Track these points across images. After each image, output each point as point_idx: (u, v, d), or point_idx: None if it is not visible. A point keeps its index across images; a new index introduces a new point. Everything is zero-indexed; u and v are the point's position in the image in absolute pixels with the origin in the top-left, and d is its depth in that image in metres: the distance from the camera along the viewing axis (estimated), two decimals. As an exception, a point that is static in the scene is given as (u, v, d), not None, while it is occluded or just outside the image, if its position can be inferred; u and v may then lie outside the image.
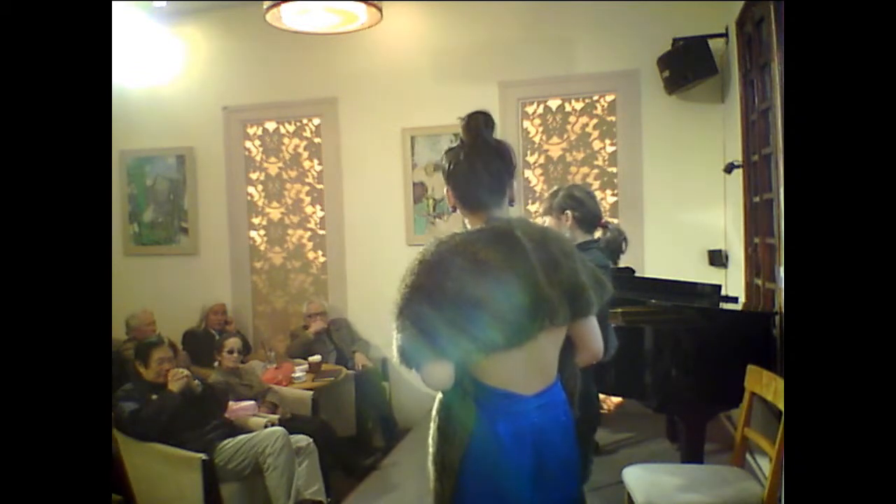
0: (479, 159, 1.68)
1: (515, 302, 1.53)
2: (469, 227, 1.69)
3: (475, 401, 1.59)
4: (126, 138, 5.48)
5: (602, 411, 4.09)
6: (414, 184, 5.16)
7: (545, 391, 1.64)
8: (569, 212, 2.83)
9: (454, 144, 1.75)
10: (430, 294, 1.51)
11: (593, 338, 1.70)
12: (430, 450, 1.65)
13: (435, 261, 1.54)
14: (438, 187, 5.12)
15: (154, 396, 3.30)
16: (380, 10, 3.68)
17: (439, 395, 1.67)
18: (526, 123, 4.99)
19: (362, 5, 3.63)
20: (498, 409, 1.58)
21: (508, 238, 1.59)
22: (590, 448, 3.31)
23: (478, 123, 1.70)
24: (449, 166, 1.70)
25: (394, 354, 1.56)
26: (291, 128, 5.46)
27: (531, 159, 4.96)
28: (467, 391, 1.59)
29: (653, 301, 3.20)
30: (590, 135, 4.89)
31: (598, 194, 4.90)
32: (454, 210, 1.73)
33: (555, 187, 3.02)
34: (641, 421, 4.14)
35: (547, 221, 2.87)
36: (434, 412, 1.66)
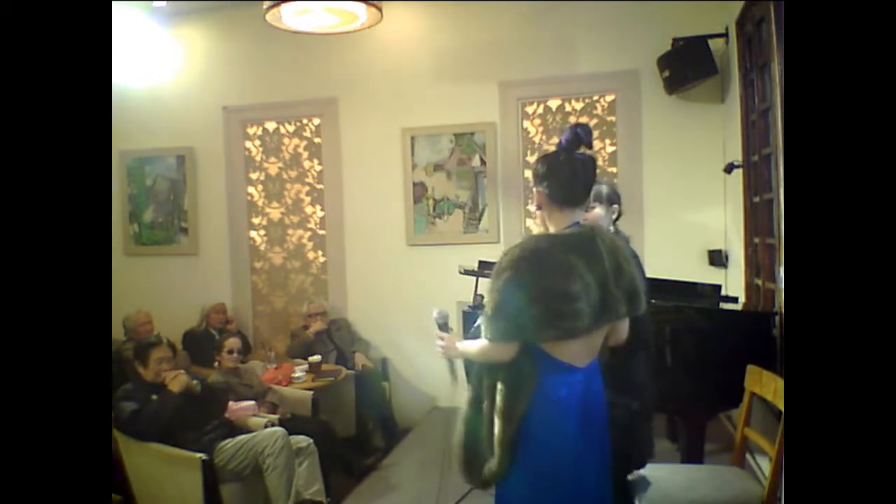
0: (578, 165, 1.98)
1: (591, 300, 1.87)
2: (551, 227, 2.00)
3: (539, 368, 1.93)
4: (126, 138, 5.48)
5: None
6: (414, 184, 5.16)
7: (591, 364, 2.01)
8: (616, 206, 2.88)
9: (550, 151, 2.06)
10: (526, 288, 1.84)
11: (625, 328, 2.10)
12: (499, 404, 1.96)
13: (531, 259, 1.86)
14: (439, 187, 5.12)
15: (154, 397, 3.30)
16: (380, 10, 3.68)
17: (503, 364, 1.96)
18: (526, 123, 4.99)
19: (362, 5, 3.63)
20: (561, 378, 1.94)
21: (591, 244, 1.92)
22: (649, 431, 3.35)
23: (583, 135, 1.99)
24: (547, 168, 1.99)
25: (483, 328, 1.92)
26: (291, 128, 5.46)
27: (531, 159, 4.96)
28: (533, 361, 1.92)
29: (653, 301, 3.19)
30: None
31: (598, 194, 4.91)
32: (539, 209, 2.02)
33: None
34: (641, 421, 4.13)
35: (595, 210, 2.88)
36: (500, 377, 1.97)
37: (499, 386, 1.97)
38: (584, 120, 4.89)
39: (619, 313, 1.98)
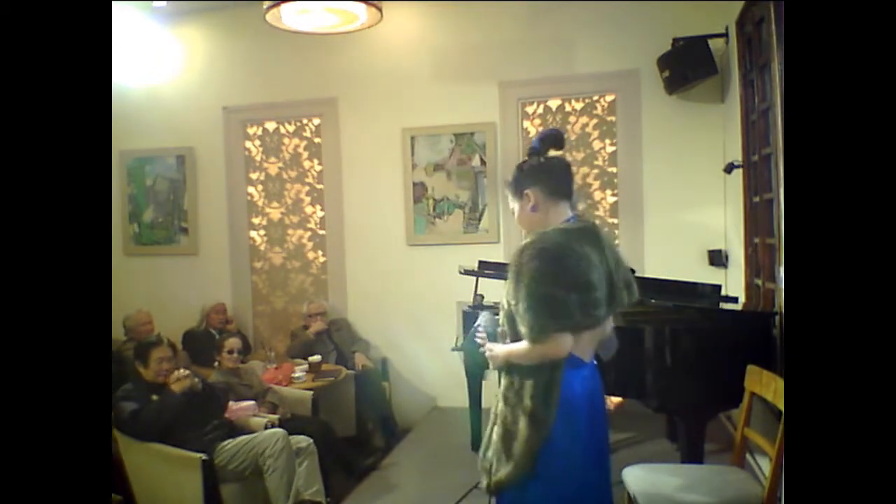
0: (564, 162, 2.12)
1: (603, 290, 1.93)
2: (551, 223, 2.01)
3: (561, 364, 1.93)
4: (126, 138, 5.48)
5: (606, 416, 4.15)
6: (414, 184, 5.16)
7: (593, 358, 2.07)
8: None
9: (525, 160, 2.11)
10: (554, 278, 1.86)
11: (610, 321, 2.12)
12: (528, 405, 1.93)
13: (553, 249, 1.89)
14: (439, 187, 5.12)
15: (154, 397, 3.30)
16: (380, 10, 3.68)
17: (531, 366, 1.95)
18: (526, 123, 4.99)
19: (362, 5, 3.63)
20: (575, 373, 1.96)
21: (596, 237, 1.98)
22: None
23: (559, 136, 2.13)
24: (539, 167, 2.06)
25: (525, 329, 1.88)
26: (291, 128, 5.46)
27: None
28: (561, 363, 1.92)
29: (653, 301, 3.20)
30: (590, 135, 4.89)
31: (598, 194, 4.91)
32: (535, 210, 2.04)
33: None
34: (641, 421, 4.14)
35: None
36: (527, 376, 1.95)
37: (526, 386, 1.94)
38: (584, 120, 4.90)
39: (623, 303, 2.02)
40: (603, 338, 2.10)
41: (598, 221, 4.77)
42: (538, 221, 2.04)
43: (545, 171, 2.06)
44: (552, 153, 2.09)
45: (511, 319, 1.98)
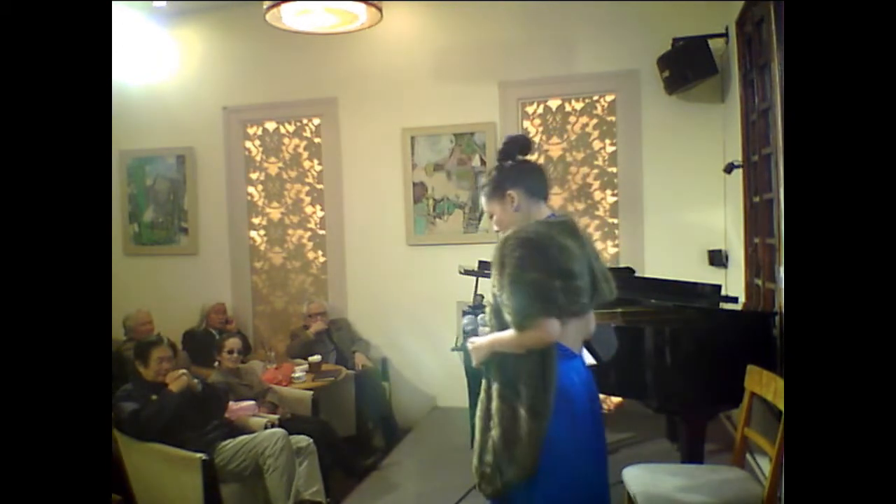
0: (540, 166, 2.25)
1: (586, 281, 1.96)
2: (532, 218, 2.05)
3: (554, 355, 1.95)
4: (126, 138, 5.48)
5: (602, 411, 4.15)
6: (414, 184, 5.16)
7: (582, 352, 2.11)
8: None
9: (498, 165, 2.16)
10: (538, 265, 1.88)
11: (593, 318, 2.17)
12: (525, 399, 1.93)
13: (536, 239, 1.92)
14: (439, 187, 5.12)
15: (154, 396, 3.30)
16: (380, 10, 3.68)
17: (520, 356, 1.96)
18: (526, 123, 4.99)
19: (362, 5, 3.63)
20: (569, 364, 1.99)
21: (575, 231, 2.03)
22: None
23: (528, 144, 2.19)
24: (520, 170, 2.11)
25: (511, 316, 1.90)
26: (291, 128, 5.46)
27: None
28: (553, 351, 1.94)
29: (653, 301, 3.20)
30: (590, 135, 4.89)
31: (598, 194, 4.91)
32: (518, 210, 2.07)
33: None
34: (641, 421, 4.14)
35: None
36: (521, 370, 1.95)
37: (522, 379, 1.93)
38: (584, 120, 4.90)
39: (604, 295, 2.05)
40: (587, 334, 2.12)
41: (597, 221, 4.85)
42: (520, 221, 2.05)
43: (526, 171, 2.12)
44: (519, 158, 2.14)
45: (497, 312, 1.99)
